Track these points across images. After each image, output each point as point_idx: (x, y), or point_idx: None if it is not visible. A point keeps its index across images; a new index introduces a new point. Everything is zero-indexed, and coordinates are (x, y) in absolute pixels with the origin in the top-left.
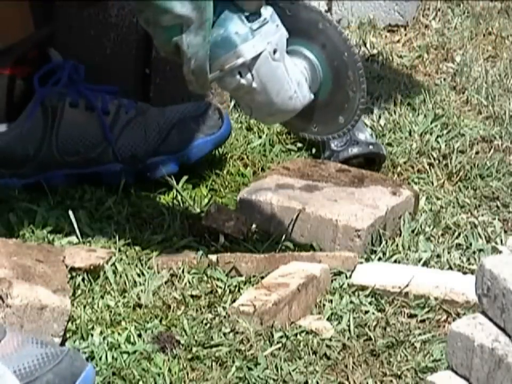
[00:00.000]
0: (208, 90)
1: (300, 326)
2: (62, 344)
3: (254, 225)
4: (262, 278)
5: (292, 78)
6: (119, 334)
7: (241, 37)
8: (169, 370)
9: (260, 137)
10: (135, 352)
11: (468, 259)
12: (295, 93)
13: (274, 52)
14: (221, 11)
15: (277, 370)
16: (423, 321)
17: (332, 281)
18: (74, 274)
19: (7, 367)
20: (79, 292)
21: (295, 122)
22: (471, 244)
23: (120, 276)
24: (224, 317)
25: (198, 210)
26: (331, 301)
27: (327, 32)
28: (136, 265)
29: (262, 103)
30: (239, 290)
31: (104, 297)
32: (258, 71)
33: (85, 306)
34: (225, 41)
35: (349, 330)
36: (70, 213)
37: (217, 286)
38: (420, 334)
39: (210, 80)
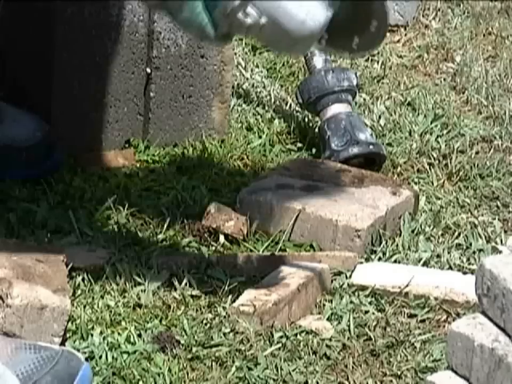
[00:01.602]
0: (229, 42)
1: (299, 326)
2: (62, 344)
3: (254, 225)
4: (262, 278)
5: (297, 0)
6: (119, 334)
7: None
8: (169, 370)
9: (260, 137)
10: (135, 352)
11: (468, 259)
12: (306, 15)
13: None
14: None
15: (277, 370)
16: (423, 321)
17: (332, 281)
18: (74, 274)
19: (9, 371)
20: (79, 291)
21: (334, 46)
22: (471, 244)
23: (120, 276)
24: (224, 317)
25: (198, 210)
26: (331, 301)
27: None
28: (136, 265)
29: (277, 37)
30: (239, 290)
31: (104, 297)
32: (260, 5)
33: (85, 306)
34: None
35: (349, 330)
36: (70, 213)
37: (217, 286)
38: (419, 334)
39: (221, 31)
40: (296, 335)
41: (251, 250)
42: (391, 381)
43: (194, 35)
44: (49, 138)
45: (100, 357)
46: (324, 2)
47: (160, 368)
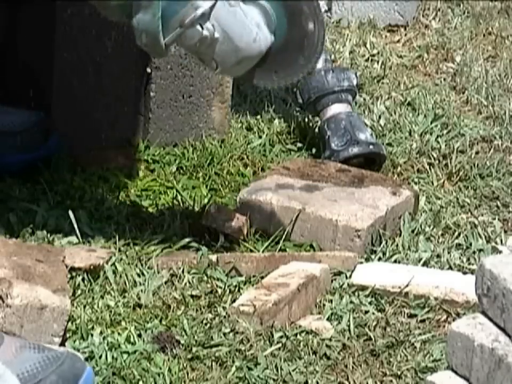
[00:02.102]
0: (166, 55)
1: (299, 326)
2: (62, 344)
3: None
4: (262, 278)
5: (251, 20)
6: (119, 334)
7: None
8: (169, 370)
9: (260, 137)
10: (135, 352)
11: (468, 259)
12: (257, 34)
13: None
14: None
15: (277, 370)
16: (423, 321)
17: (332, 281)
18: (74, 274)
19: (10, 371)
20: (79, 291)
21: (252, 74)
22: (471, 244)
23: (120, 276)
24: (224, 317)
25: (198, 210)
26: (331, 301)
27: None
28: (136, 265)
29: (226, 52)
30: (239, 290)
31: (104, 297)
32: (218, 19)
33: (85, 306)
34: None
35: (349, 330)
36: (70, 213)
37: (217, 286)
38: (420, 334)
39: (171, 40)
40: (296, 335)
41: (251, 250)
42: (391, 381)
43: (145, 40)
44: (44, 123)
45: (100, 357)
46: (269, 29)
47: (160, 368)
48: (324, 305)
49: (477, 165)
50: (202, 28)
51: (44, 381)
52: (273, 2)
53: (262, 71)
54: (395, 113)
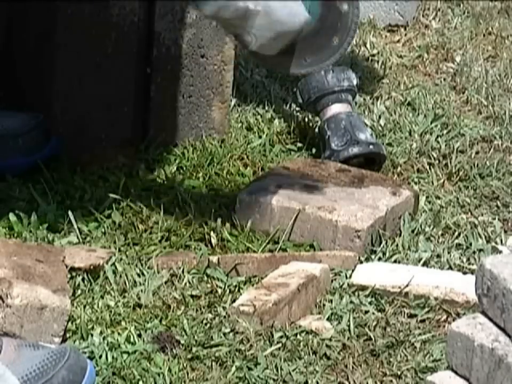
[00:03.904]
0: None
1: (299, 326)
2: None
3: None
4: (262, 278)
5: None
6: (119, 334)
7: None
8: (169, 370)
9: (260, 137)
10: (135, 352)
11: (468, 259)
12: (297, 10)
13: None
14: None
15: (277, 370)
16: (423, 321)
17: (332, 281)
18: (74, 274)
19: (15, 376)
20: (79, 291)
21: (284, 59)
22: (471, 244)
23: (120, 276)
24: (224, 317)
25: (198, 210)
26: (331, 301)
27: None
28: (136, 265)
29: (265, 26)
30: (239, 290)
31: (104, 297)
32: None
33: (85, 306)
34: None
35: (349, 330)
36: (70, 213)
37: (217, 286)
38: (419, 334)
39: (215, 10)
40: (296, 335)
41: (251, 250)
42: (391, 381)
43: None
44: (44, 125)
45: (100, 357)
46: (306, 7)
47: (160, 368)
48: (323, 305)
49: (477, 165)
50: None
51: (57, 375)
52: None
53: (292, 57)
54: (395, 113)
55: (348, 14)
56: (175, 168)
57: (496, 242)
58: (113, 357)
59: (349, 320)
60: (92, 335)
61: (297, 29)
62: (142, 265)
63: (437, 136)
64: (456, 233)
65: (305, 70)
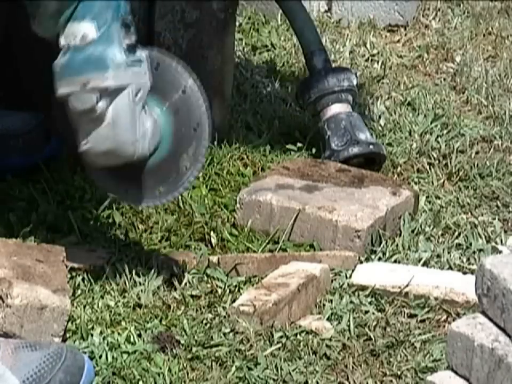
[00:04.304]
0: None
1: (299, 326)
2: None
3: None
4: (262, 278)
5: (141, 126)
6: (119, 334)
7: (116, 64)
8: (169, 370)
9: (260, 137)
10: (135, 352)
11: (468, 259)
12: (137, 141)
13: (137, 94)
14: (108, 25)
15: (277, 370)
16: (423, 321)
17: (332, 281)
18: (74, 274)
19: (16, 377)
20: (79, 291)
21: (107, 178)
22: (471, 244)
23: (120, 276)
24: (224, 317)
25: (198, 210)
26: (331, 301)
27: (188, 100)
28: (136, 265)
29: (103, 137)
30: (239, 290)
31: (104, 297)
32: (116, 104)
33: (85, 306)
34: (99, 60)
35: (349, 330)
36: (70, 213)
37: (217, 286)
38: (419, 334)
39: (66, 93)
40: (296, 335)
41: (251, 250)
42: (391, 381)
43: None
44: (45, 125)
45: (100, 357)
46: (151, 144)
47: (160, 368)
48: (323, 305)
49: (477, 165)
50: (98, 101)
51: (54, 379)
52: (167, 125)
53: (116, 181)
54: (395, 113)
55: (183, 175)
56: None
57: (496, 242)
58: (113, 357)
59: (349, 320)
60: (92, 335)
61: (129, 157)
62: (142, 265)
63: (437, 136)
64: (456, 233)
65: (120, 197)
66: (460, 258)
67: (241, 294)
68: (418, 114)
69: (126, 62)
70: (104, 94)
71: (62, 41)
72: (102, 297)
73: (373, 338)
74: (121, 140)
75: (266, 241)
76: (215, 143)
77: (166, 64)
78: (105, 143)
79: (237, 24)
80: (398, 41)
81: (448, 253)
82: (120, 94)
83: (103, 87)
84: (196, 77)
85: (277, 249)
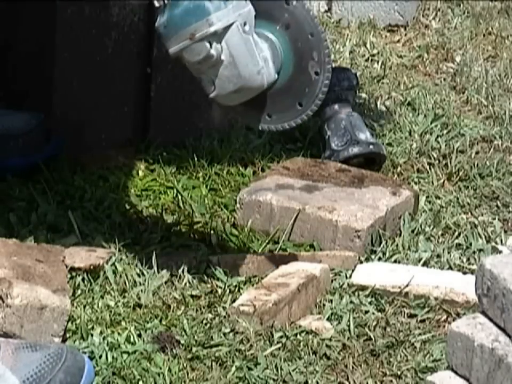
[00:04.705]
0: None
1: (299, 326)
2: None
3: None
4: (262, 278)
5: (260, 53)
6: (119, 334)
7: (215, 5)
8: (169, 370)
9: (260, 137)
10: (135, 352)
11: (468, 259)
12: (263, 68)
13: (244, 24)
14: None
15: (277, 370)
16: (423, 321)
17: (332, 281)
18: (74, 274)
19: (16, 377)
20: (79, 291)
21: (247, 110)
22: (471, 244)
23: (120, 276)
24: (224, 317)
25: (198, 210)
26: (331, 301)
27: (293, 11)
28: (136, 265)
29: (228, 77)
30: (239, 290)
31: (104, 297)
32: (228, 42)
33: (85, 306)
34: (197, 9)
35: (349, 330)
36: (70, 213)
37: (217, 286)
38: (419, 334)
39: (178, 49)
40: (296, 335)
41: (251, 250)
42: (391, 381)
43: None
44: (45, 124)
45: (100, 357)
46: (275, 66)
47: (160, 368)
48: (323, 305)
49: (477, 165)
50: (211, 46)
51: (54, 379)
52: (284, 43)
53: (256, 110)
54: (395, 113)
55: (317, 82)
56: (175, 168)
57: (496, 242)
58: (113, 357)
59: (349, 320)
60: (92, 335)
61: (259, 87)
62: (142, 265)
63: (437, 136)
64: (456, 233)
65: (266, 126)
66: (460, 258)
67: (241, 294)
68: (418, 114)
69: None
70: (214, 37)
71: (156, 2)
72: (102, 297)
73: (373, 338)
74: (246, 74)
75: (266, 241)
76: (215, 143)
77: None
78: (231, 82)
79: None
80: (398, 41)
81: (448, 253)
82: (229, 31)
83: (211, 32)
84: None
85: (277, 249)
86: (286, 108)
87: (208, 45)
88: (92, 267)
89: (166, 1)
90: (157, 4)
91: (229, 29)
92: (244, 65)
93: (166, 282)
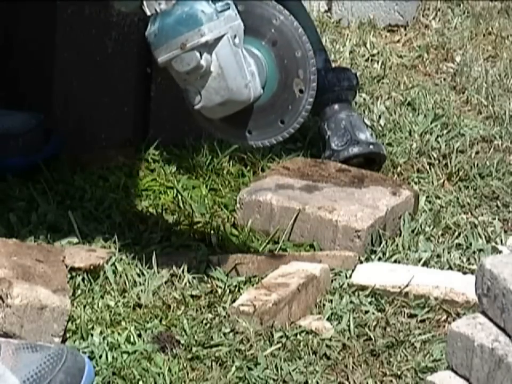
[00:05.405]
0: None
1: (299, 326)
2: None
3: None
4: (262, 278)
5: (248, 67)
6: (119, 334)
7: (207, 16)
8: (169, 370)
9: None
10: (135, 352)
11: (468, 259)
12: (250, 82)
13: (235, 37)
14: None
15: (277, 370)
16: (423, 321)
17: (332, 281)
18: (74, 274)
19: (16, 377)
20: (79, 291)
21: (227, 127)
22: (471, 244)
23: (120, 276)
24: (224, 317)
25: (198, 210)
26: (331, 301)
27: (280, 28)
28: (136, 265)
29: (215, 89)
30: (239, 290)
31: (104, 297)
32: (218, 54)
33: (85, 306)
34: (190, 18)
35: (349, 330)
36: (70, 213)
37: (217, 286)
38: (419, 334)
39: (167, 59)
40: (296, 335)
41: (251, 250)
42: (391, 381)
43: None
44: (44, 124)
45: (100, 357)
46: (261, 82)
47: (160, 368)
48: (323, 305)
49: (477, 165)
50: (201, 57)
51: (54, 380)
52: (269, 59)
53: (237, 126)
54: (395, 113)
55: (301, 100)
56: (175, 168)
57: (496, 242)
58: (113, 357)
59: (349, 320)
60: (92, 335)
61: (246, 101)
62: (142, 265)
63: (437, 136)
64: (456, 233)
65: (246, 142)
66: (460, 258)
67: (241, 294)
68: (418, 114)
69: (216, 10)
70: (204, 48)
71: (147, 10)
72: (102, 297)
73: (373, 338)
74: (234, 87)
75: (266, 241)
76: (215, 143)
77: (249, 1)
78: (218, 94)
79: None
80: (398, 41)
81: (448, 253)
82: (220, 43)
83: (202, 43)
84: (282, 7)
85: (277, 249)
86: (268, 125)
87: (198, 55)
88: (91, 267)
89: (158, 10)
90: (148, 13)
91: (219, 41)
92: (233, 78)
93: (166, 282)
